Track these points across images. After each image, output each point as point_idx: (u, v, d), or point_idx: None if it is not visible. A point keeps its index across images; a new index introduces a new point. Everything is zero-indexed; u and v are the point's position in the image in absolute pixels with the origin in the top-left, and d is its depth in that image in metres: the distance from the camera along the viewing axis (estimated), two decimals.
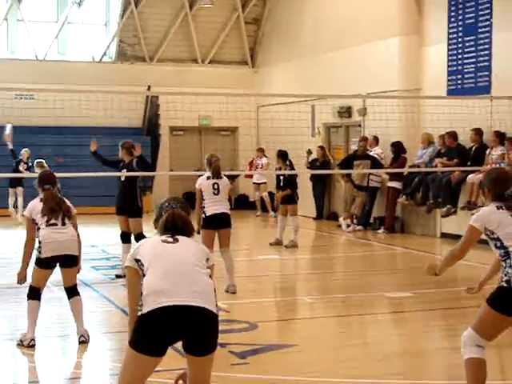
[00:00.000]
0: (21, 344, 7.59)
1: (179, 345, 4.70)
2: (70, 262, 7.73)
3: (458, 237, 14.78)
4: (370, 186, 18.16)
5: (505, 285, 5.37)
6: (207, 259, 4.92)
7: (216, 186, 10.45)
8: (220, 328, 8.04)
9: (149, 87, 22.34)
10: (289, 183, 15.24)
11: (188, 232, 4.98)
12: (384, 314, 9.66)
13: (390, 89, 17.58)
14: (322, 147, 20.45)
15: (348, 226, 18.14)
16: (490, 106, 15.31)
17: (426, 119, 17.14)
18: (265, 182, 21.67)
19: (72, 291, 7.84)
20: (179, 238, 4.89)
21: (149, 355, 4.49)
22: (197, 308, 4.53)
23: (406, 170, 17.16)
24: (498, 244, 5.48)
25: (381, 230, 17.56)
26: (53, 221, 7.65)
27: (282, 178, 15.35)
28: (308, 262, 14.54)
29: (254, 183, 22.28)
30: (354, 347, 7.87)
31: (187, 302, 4.51)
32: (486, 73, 15.99)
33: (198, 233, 9.89)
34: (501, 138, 15.22)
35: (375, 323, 9.14)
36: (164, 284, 4.58)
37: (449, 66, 17.02)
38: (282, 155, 15.26)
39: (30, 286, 7.75)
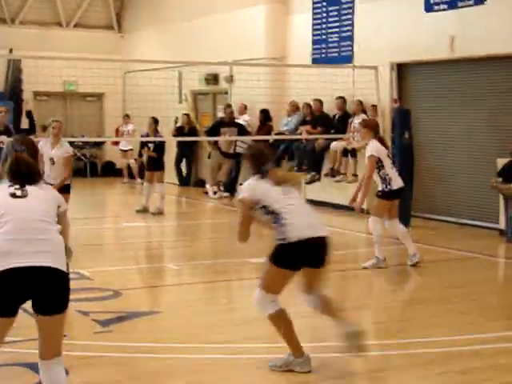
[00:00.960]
0: None
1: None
2: None
3: (321, 203, 15.21)
4: (236, 153, 18.29)
5: (282, 242, 5.79)
6: (59, 207, 4.77)
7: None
8: (83, 296, 8.01)
9: (10, 50, 21.60)
10: (158, 149, 15.21)
11: (35, 179, 4.73)
12: (249, 279, 9.78)
13: (256, 56, 17.70)
14: (187, 114, 20.42)
15: (215, 192, 18.24)
16: (353, 76, 15.66)
17: (292, 87, 17.37)
18: (131, 149, 21.45)
19: None
20: (29, 189, 4.64)
21: (1, 316, 4.36)
22: (45, 268, 4.40)
23: (271, 138, 17.36)
24: (266, 210, 5.88)
25: None
26: None
27: (150, 144, 15.29)
28: (174, 228, 14.55)
29: (120, 150, 22.02)
30: (218, 313, 7.96)
31: (35, 262, 4.39)
32: (349, 42, 16.32)
33: None
34: (363, 106, 15.63)
35: (240, 289, 9.27)
36: (12, 245, 4.41)
37: (313, 35, 17.27)
38: (155, 122, 15.36)
39: None
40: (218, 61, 18.24)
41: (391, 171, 9.90)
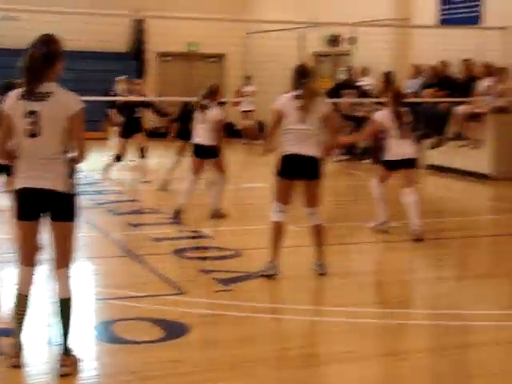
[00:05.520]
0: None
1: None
2: None
3: (444, 169, 14.87)
4: (357, 115, 18.09)
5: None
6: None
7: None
8: (205, 255, 8.10)
9: (137, 11, 21.93)
10: None
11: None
12: (366, 243, 9.66)
13: (379, 17, 17.37)
14: None
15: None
16: (480, 37, 15.16)
17: (416, 49, 16.99)
18: (252, 110, 21.53)
19: None
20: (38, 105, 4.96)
21: (28, 221, 5.02)
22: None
23: None
24: None
25: (366, 161, 17.57)
26: None
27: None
28: None
29: (242, 111, 22.13)
30: (334, 276, 7.87)
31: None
32: (477, 3, 15.80)
33: None
34: (489, 69, 15.13)
35: (356, 253, 9.17)
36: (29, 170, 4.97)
37: None
38: None
39: None
40: (339, 22, 18.02)
41: (393, 140, 9.53)
